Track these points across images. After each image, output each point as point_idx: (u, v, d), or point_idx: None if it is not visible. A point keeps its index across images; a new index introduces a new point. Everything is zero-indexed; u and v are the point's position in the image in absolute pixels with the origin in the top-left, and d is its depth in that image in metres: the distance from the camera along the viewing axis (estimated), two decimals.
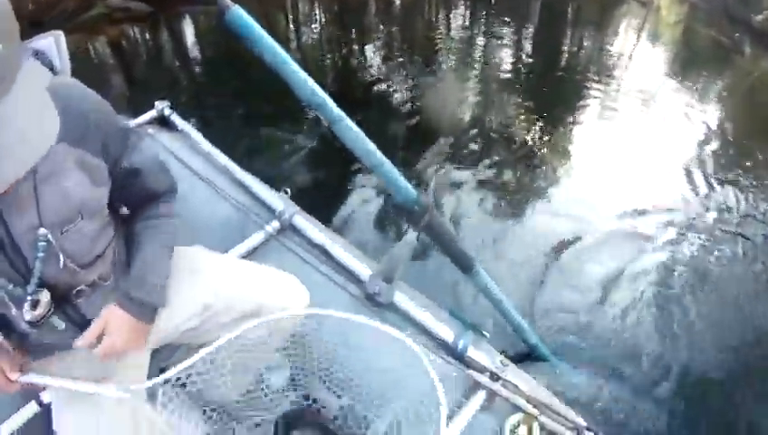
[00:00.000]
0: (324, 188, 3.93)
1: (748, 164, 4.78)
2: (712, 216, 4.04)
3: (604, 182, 4.33)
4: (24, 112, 0.79)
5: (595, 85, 6.69)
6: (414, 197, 1.59)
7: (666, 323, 3.14)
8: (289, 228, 2.02)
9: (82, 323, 1.15)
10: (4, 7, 0.76)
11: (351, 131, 1.48)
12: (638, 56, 8.49)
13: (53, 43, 1.03)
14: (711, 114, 6.21)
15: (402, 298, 1.79)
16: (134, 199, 1.20)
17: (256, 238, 1.97)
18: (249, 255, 1.94)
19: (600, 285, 3.32)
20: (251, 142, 4.50)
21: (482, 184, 4.21)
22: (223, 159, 2.34)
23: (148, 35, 9.98)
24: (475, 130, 5.13)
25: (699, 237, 3.80)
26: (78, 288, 1.10)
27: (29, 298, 1.01)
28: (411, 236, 1.70)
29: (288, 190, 2.12)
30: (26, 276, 1.00)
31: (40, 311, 1.04)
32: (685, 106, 6.23)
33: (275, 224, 2.00)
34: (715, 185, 4.43)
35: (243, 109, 5.32)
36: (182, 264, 1.34)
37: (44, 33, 1.01)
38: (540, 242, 3.59)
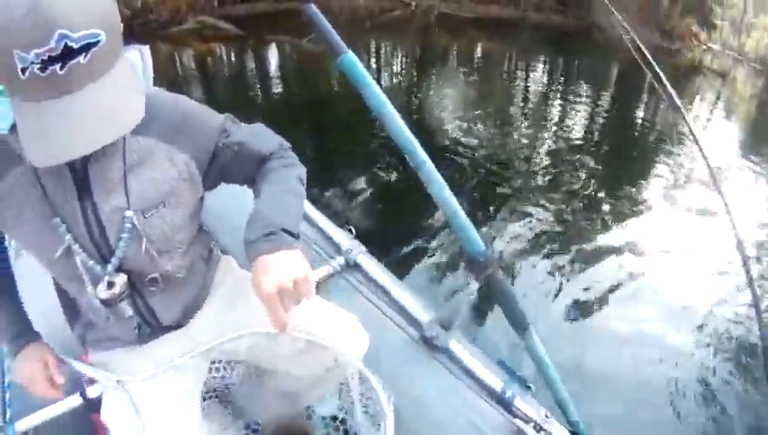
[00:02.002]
0: (389, 231, 4.02)
1: None
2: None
3: (665, 257, 4.32)
4: (117, 91, 0.86)
5: (665, 157, 6.67)
6: (481, 249, 1.64)
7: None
8: (353, 266, 2.08)
9: (147, 315, 1.22)
10: (113, 5, 0.85)
11: (433, 176, 1.57)
12: (712, 128, 8.43)
13: (139, 56, 1.12)
14: None
15: (457, 346, 1.82)
16: (248, 169, 1.21)
17: (321, 272, 2.03)
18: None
19: (652, 366, 3.28)
20: (320, 177, 4.61)
21: (545, 246, 4.25)
22: None
23: (233, 57, 10.37)
24: (543, 190, 5.20)
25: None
26: (152, 276, 1.15)
27: (106, 278, 1.08)
28: (472, 287, 1.74)
29: (352, 229, 2.19)
30: (106, 256, 1.08)
31: (114, 291, 1.10)
32: (754, 183, 6.15)
33: (340, 260, 2.07)
34: None
35: (315, 143, 5.48)
36: (249, 289, 1.41)
37: (131, 46, 1.11)
38: (596, 316, 3.58)
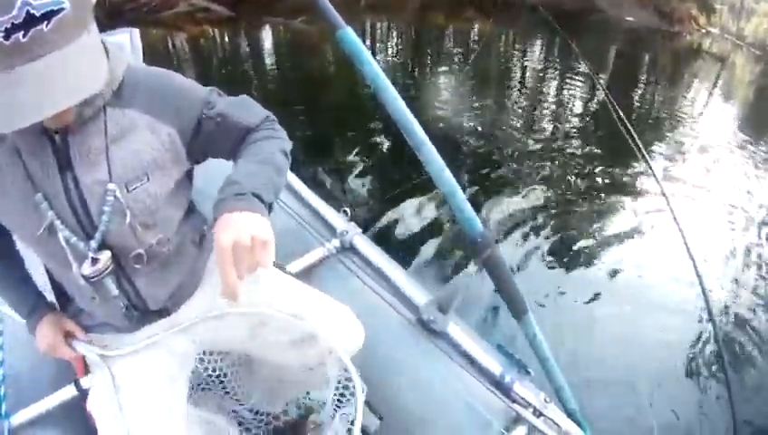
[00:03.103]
0: (386, 212, 3.95)
1: None
2: None
3: (665, 241, 4.25)
4: (81, 60, 0.84)
5: (663, 140, 6.68)
6: (479, 229, 1.61)
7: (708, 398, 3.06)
8: (349, 249, 2.05)
9: (134, 297, 1.19)
10: None
11: (432, 156, 1.54)
12: (709, 113, 8.45)
13: (129, 38, 1.10)
14: None
15: (455, 329, 1.80)
16: (232, 141, 1.17)
17: (316, 255, 2.01)
18: (308, 271, 1.98)
19: (649, 352, 3.25)
20: (315, 157, 4.57)
21: (544, 228, 4.20)
22: None
23: (226, 39, 10.31)
24: (542, 172, 5.17)
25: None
26: (136, 252, 1.12)
27: (90, 254, 1.06)
28: (470, 269, 1.71)
29: (348, 211, 2.15)
30: (90, 232, 1.05)
31: (98, 267, 1.07)
32: (753, 168, 6.14)
33: (335, 242, 2.04)
34: None
35: (308, 125, 5.44)
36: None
37: (121, 29, 1.09)
38: (594, 299, 3.56)
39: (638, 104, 8.35)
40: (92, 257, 1.07)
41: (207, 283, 1.37)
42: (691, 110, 8.33)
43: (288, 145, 1.20)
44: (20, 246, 1.27)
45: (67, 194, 1.01)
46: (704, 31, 17.62)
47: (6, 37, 0.75)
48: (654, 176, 4.52)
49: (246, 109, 1.20)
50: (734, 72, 11.70)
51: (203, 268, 1.37)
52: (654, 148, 6.30)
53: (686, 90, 9.62)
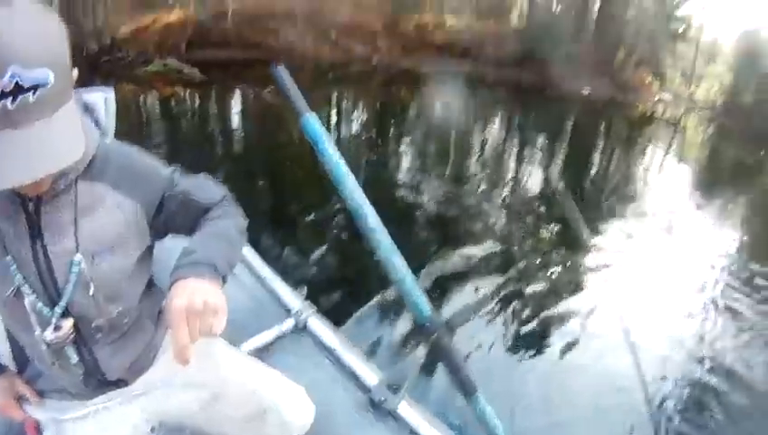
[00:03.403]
0: (342, 292, 3.98)
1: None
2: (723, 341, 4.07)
3: (619, 313, 4.34)
4: (62, 131, 0.89)
5: (620, 205, 6.82)
6: (428, 314, 1.66)
7: None
8: (303, 329, 2.08)
9: (92, 366, 1.20)
10: (63, 43, 0.90)
11: (383, 243, 1.60)
12: (664, 175, 8.65)
13: (103, 99, 1.17)
14: (732, 234, 6.24)
15: (406, 408, 1.82)
16: (192, 219, 1.23)
17: (270, 334, 2.03)
18: (262, 350, 1.99)
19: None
20: (273, 235, 4.60)
21: (498, 308, 4.23)
22: (245, 248, 2.44)
23: (197, 102, 10.41)
24: (498, 249, 5.24)
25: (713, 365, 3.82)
26: (97, 322, 1.15)
27: (53, 320, 1.08)
28: (422, 349, 1.75)
29: (304, 290, 2.20)
30: (55, 299, 1.08)
31: (61, 333, 1.09)
32: (708, 227, 6.30)
33: (290, 322, 2.07)
34: (727, 310, 4.50)
35: (270, 198, 5.48)
36: (200, 351, 1.41)
37: (96, 88, 1.15)
38: (547, 376, 3.60)
39: (594, 171, 8.60)
40: (56, 324, 1.09)
41: (164, 357, 1.38)
42: (645, 174, 8.59)
43: (243, 223, 1.27)
44: None
45: (36, 261, 1.04)
46: (657, 98, 18.35)
47: None
48: (591, 249, 4.64)
49: (206, 188, 1.27)
50: (687, 134, 12.18)
51: (160, 343, 1.38)
52: (607, 216, 6.47)
53: (641, 155, 9.97)
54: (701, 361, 3.95)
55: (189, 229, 1.23)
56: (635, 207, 6.96)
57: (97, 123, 1.18)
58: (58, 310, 1.08)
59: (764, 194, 8.71)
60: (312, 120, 1.57)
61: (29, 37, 0.83)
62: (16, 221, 1.02)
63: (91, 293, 1.09)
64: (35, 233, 1.04)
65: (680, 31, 26.66)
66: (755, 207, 7.98)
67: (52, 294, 1.08)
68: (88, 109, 1.15)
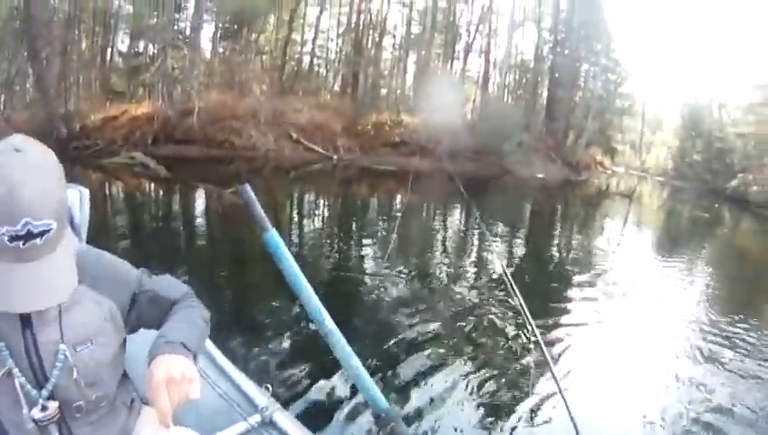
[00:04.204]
0: (306, 387, 4.00)
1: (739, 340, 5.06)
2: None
3: (592, 392, 4.37)
4: (61, 265, 1.15)
5: (584, 279, 6.96)
6: (384, 406, 1.81)
7: None
8: (269, 423, 2.18)
9: None
10: (63, 194, 1.16)
11: (340, 343, 1.78)
12: (625, 244, 8.76)
13: (78, 197, 1.42)
14: (699, 288, 6.31)
15: None
16: (161, 313, 1.43)
17: (237, 429, 2.10)
18: None
19: None
20: (238, 333, 4.63)
21: (459, 399, 4.24)
22: (211, 347, 2.55)
23: (161, 196, 10.46)
24: (460, 338, 5.30)
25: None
26: (78, 403, 1.29)
27: (40, 401, 1.23)
28: None
29: (270, 386, 2.30)
30: (42, 382, 1.23)
31: (47, 413, 1.23)
32: (673, 286, 6.38)
33: (257, 417, 2.16)
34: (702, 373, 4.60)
35: (232, 295, 5.52)
36: None
37: (71, 184, 1.39)
38: None
39: (554, 250, 8.80)
40: (42, 404, 1.23)
41: None
42: (606, 245, 8.75)
43: (206, 313, 1.50)
44: None
45: (26, 348, 1.21)
46: (609, 172, 18.99)
47: (10, 241, 1.05)
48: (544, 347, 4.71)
49: (171, 286, 1.50)
50: (642, 202, 12.55)
51: (132, 428, 1.51)
52: (571, 292, 6.57)
53: (600, 228, 10.18)
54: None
55: (159, 322, 1.42)
56: (598, 279, 7.14)
57: (72, 220, 1.42)
58: (45, 392, 1.23)
59: (723, 242, 8.96)
60: (273, 237, 1.75)
61: (39, 193, 1.07)
62: (10, 315, 1.19)
63: (74, 377, 1.25)
64: (26, 325, 1.21)
65: (626, 106, 28.02)
66: (716, 255, 8.19)
67: (39, 377, 1.23)
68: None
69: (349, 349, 1.79)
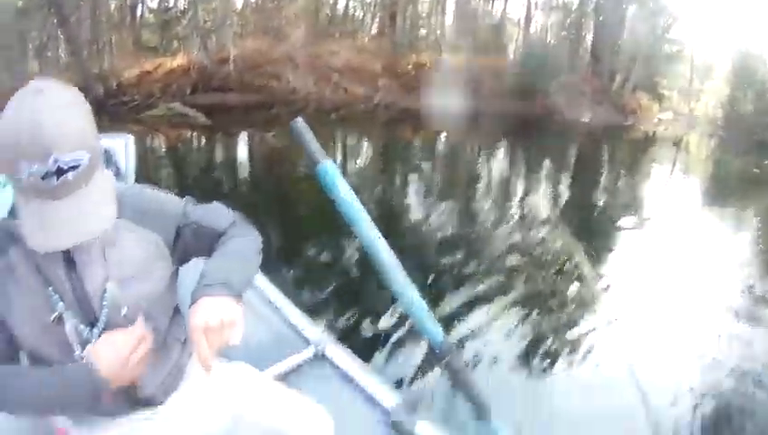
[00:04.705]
0: (359, 319, 4.10)
1: None
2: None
3: (640, 330, 4.32)
4: (97, 198, 1.11)
5: (629, 225, 6.83)
6: (440, 339, 1.77)
7: None
8: (322, 356, 2.19)
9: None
10: (91, 125, 1.10)
11: (396, 275, 1.71)
12: (672, 193, 8.55)
13: (124, 145, 1.36)
14: (745, 242, 6.16)
15: (425, 427, 1.89)
16: (209, 243, 1.37)
17: (291, 362, 2.13)
18: (283, 377, 2.09)
19: None
20: (288, 268, 4.69)
21: (510, 333, 4.29)
22: (263, 282, 2.56)
23: (203, 144, 10.57)
24: (510, 275, 5.31)
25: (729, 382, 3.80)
26: None
27: (93, 341, 1.21)
28: (437, 374, 1.83)
29: (322, 320, 2.29)
30: (92, 322, 1.22)
31: None
32: (719, 238, 6.24)
33: (310, 350, 2.18)
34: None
35: (281, 234, 5.55)
36: (225, 375, 1.52)
37: (116, 134, 1.34)
38: (560, 400, 3.60)
39: (599, 196, 8.60)
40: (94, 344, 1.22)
41: (190, 380, 1.49)
42: (651, 194, 8.54)
43: (257, 241, 1.42)
44: None
45: (74, 290, 1.19)
46: (657, 118, 18.40)
47: (42, 179, 1.01)
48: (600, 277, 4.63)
49: (217, 214, 1.42)
50: (690, 151, 12.18)
51: (186, 365, 1.49)
52: (615, 235, 6.47)
53: (646, 176, 9.90)
54: (717, 385, 3.91)
55: (208, 253, 1.37)
56: (646, 226, 7.02)
57: (117, 168, 1.37)
58: (96, 330, 1.22)
59: None
60: (328, 168, 1.69)
61: (66, 127, 1.03)
62: (53, 258, 1.17)
63: (123, 314, 1.23)
64: (71, 265, 1.19)
65: (674, 51, 26.96)
66: (764, 214, 7.94)
67: (89, 317, 1.22)
68: (108, 155, 1.32)
69: (406, 280, 1.72)
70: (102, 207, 1.12)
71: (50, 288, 1.17)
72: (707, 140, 12.94)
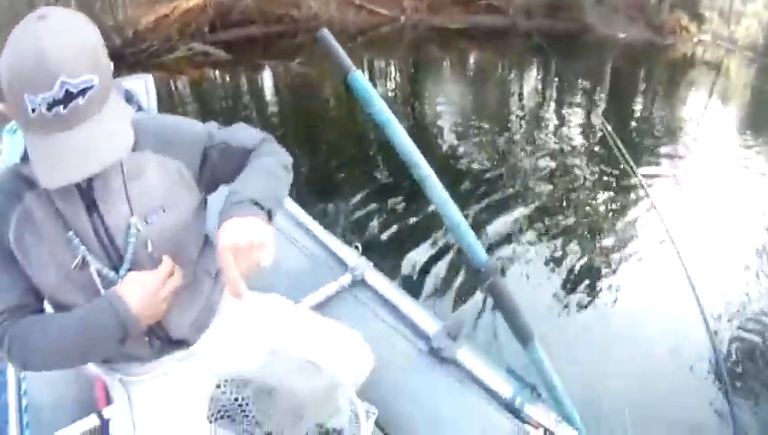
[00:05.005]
0: (396, 244, 4.04)
1: None
2: None
3: (665, 261, 4.18)
4: (111, 124, 1.00)
5: (666, 150, 6.63)
6: (483, 258, 1.68)
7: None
8: (360, 283, 2.14)
9: (155, 324, 1.23)
10: (100, 47, 0.99)
11: (436, 189, 1.63)
12: (709, 118, 8.38)
13: (144, 85, 1.24)
14: None
15: (465, 355, 1.86)
16: (236, 165, 1.26)
17: (328, 290, 2.09)
18: (321, 305, 2.05)
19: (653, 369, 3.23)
20: (321, 195, 4.65)
21: (550, 255, 4.21)
22: (297, 209, 2.50)
23: (227, 80, 10.52)
24: (545, 197, 5.20)
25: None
26: None
27: (120, 281, 1.14)
28: (478, 296, 1.78)
29: (359, 246, 2.24)
30: (117, 263, 1.15)
31: None
32: (758, 170, 6.11)
33: (348, 277, 2.12)
34: None
35: (312, 162, 5.53)
36: (259, 308, 1.48)
37: (136, 75, 1.24)
38: (597, 322, 3.57)
39: (636, 118, 8.37)
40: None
41: (223, 313, 1.43)
42: (689, 119, 8.34)
43: (287, 159, 1.32)
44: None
45: (95, 230, 1.11)
46: (696, 39, 17.68)
47: (49, 109, 0.91)
48: (652, 202, 4.53)
49: (244, 133, 1.32)
50: (729, 76, 11.73)
51: (218, 300, 1.43)
52: (653, 163, 6.31)
53: (683, 100, 9.61)
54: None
55: (236, 176, 1.26)
56: (683, 149, 6.81)
57: (139, 107, 1.25)
58: (122, 271, 1.14)
59: None
60: (359, 77, 1.60)
61: (71, 49, 0.92)
62: (72, 198, 1.09)
63: (149, 251, 1.15)
64: (91, 205, 1.11)
65: None
66: None
67: (114, 258, 1.14)
68: (128, 96, 1.22)
69: (446, 195, 1.63)
70: (117, 136, 1.02)
71: (70, 232, 1.10)
72: (747, 65, 12.32)
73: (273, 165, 1.25)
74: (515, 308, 1.77)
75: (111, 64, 1.03)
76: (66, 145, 0.95)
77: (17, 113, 0.95)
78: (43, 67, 0.88)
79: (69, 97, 0.92)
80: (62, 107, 0.92)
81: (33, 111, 0.91)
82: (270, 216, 1.10)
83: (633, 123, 7.99)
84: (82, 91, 0.93)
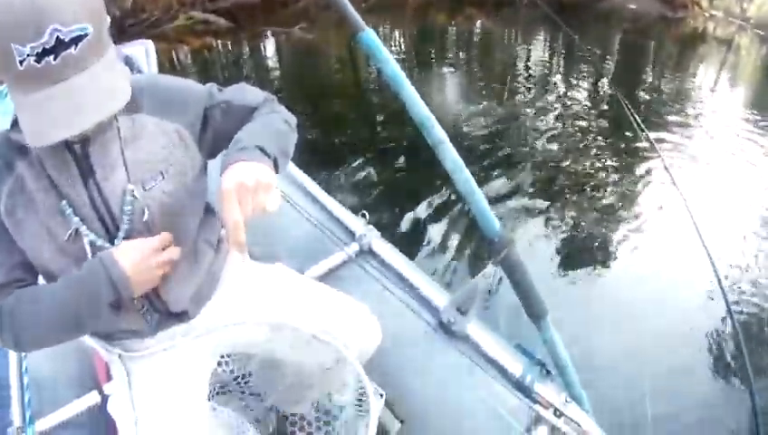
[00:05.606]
0: (404, 214, 3.98)
1: None
2: None
3: (686, 231, 4.21)
4: (106, 77, 0.93)
5: (673, 127, 6.56)
6: (497, 229, 1.61)
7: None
8: (368, 252, 2.07)
9: (154, 298, 1.19)
10: (99, 3, 0.92)
11: (450, 155, 1.56)
12: (718, 95, 8.35)
13: (144, 51, 1.16)
14: None
15: (475, 330, 1.80)
16: (237, 127, 1.16)
17: (335, 259, 2.04)
18: (327, 275, 2.00)
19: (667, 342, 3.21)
20: (328, 164, 4.59)
21: (562, 223, 4.19)
22: (302, 177, 2.43)
23: (229, 48, 10.43)
24: (551, 167, 5.15)
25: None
26: None
27: None
28: (489, 270, 1.71)
29: (366, 214, 2.16)
30: (113, 233, 1.09)
31: None
32: (762, 149, 6.10)
33: (354, 247, 2.06)
34: None
35: (319, 131, 5.47)
36: (262, 279, 1.42)
37: (136, 41, 1.16)
38: (610, 294, 3.55)
39: (645, 91, 8.28)
40: None
41: (224, 285, 1.38)
42: (698, 92, 8.28)
43: (291, 118, 1.25)
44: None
45: (91, 199, 1.06)
46: (707, 14, 17.43)
47: (38, 60, 0.84)
48: (665, 165, 4.48)
49: (246, 92, 1.25)
50: (740, 53, 11.58)
51: (220, 271, 1.37)
52: (662, 133, 6.26)
53: (693, 74, 9.51)
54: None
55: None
56: (693, 119, 6.75)
57: (140, 72, 1.18)
58: (118, 241, 1.09)
59: None
60: (369, 36, 1.55)
61: None
62: (66, 166, 1.04)
63: (145, 219, 1.09)
64: (86, 173, 1.06)
65: None
66: None
67: (110, 228, 1.09)
68: (129, 62, 1.14)
69: (460, 161, 1.56)
70: (112, 91, 0.94)
71: (63, 202, 1.04)
72: (759, 44, 12.16)
73: (277, 121, 1.18)
74: (529, 282, 1.70)
75: (108, 18, 0.96)
76: (56, 99, 0.88)
77: (4, 68, 0.86)
78: (32, 13, 0.82)
79: (60, 46, 0.85)
80: (52, 57, 0.85)
81: (22, 63, 0.84)
82: (276, 166, 1.03)
83: (645, 90, 7.93)
84: (75, 41, 0.86)
